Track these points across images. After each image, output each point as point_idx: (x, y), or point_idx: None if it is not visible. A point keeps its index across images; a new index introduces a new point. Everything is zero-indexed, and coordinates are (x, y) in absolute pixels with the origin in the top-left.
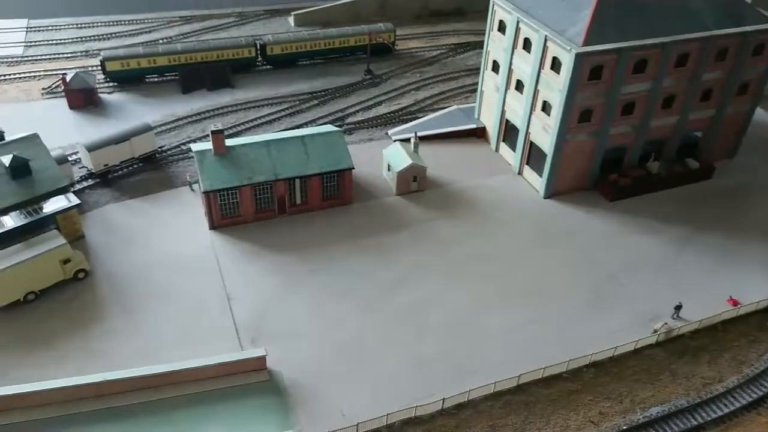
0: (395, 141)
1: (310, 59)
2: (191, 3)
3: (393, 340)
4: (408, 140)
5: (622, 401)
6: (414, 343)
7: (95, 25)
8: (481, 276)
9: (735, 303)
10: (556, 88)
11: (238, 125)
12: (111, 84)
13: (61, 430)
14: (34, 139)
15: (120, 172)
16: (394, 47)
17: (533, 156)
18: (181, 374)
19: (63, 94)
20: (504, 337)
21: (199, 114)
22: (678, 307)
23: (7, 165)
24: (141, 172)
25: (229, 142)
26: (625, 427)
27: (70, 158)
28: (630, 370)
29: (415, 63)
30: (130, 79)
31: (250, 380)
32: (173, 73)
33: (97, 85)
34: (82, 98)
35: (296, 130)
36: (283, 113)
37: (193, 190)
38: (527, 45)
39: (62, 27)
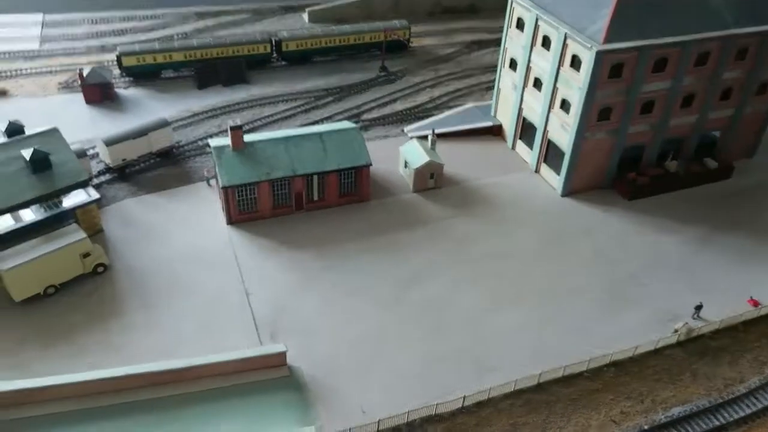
0: (412, 138)
1: (324, 56)
2: None
3: (411, 337)
4: (425, 137)
5: (643, 401)
6: (431, 341)
7: (110, 20)
8: (499, 274)
9: (756, 303)
10: (575, 85)
11: (254, 121)
12: (127, 79)
13: (81, 423)
14: (54, 133)
15: (137, 167)
16: (410, 44)
17: (551, 154)
18: (202, 369)
19: (79, 88)
20: (521, 335)
21: (214, 110)
22: (698, 307)
23: (27, 159)
24: (158, 167)
25: (247, 137)
26: (646, 427)
27: (88, 152)
28: (650, 369)
29: (429, 60)
30: (146, 74)
31: (270, 376)
32: (189, 69)
33: (114, 80)
34: (98, 93)
35: (313, 126)
36: (299, 109)
37: (210, 185)
38: (546, 42)
39: (77, 22)
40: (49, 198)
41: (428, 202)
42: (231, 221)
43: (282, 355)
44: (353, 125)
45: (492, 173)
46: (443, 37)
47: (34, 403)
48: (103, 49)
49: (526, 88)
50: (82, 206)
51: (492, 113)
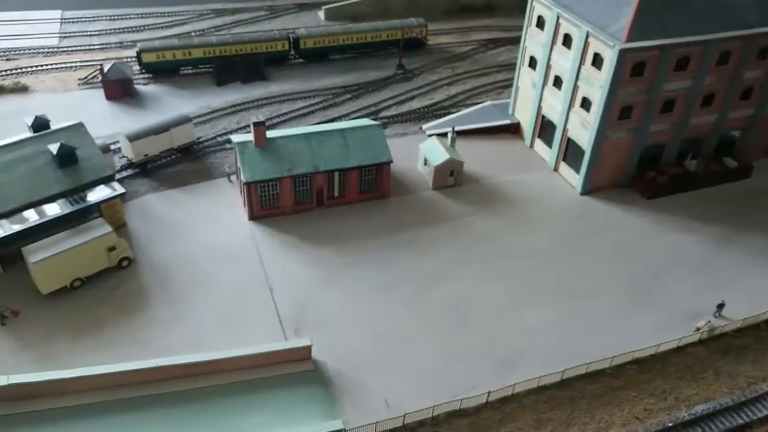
0: (430, 136)
1: (342, 53)
2: None
3: (432, 333)
4: (444, 135)
5: (666, 398)
6: (453, 337)
7: (127, 17)
8: (519, 272)
9: None
10: (597, 84)
11: (273, 118)
12: (146, 75)
13: (107, 415)
14: (79, 128)
15: (158, 163)
16: (427, 42)
17: (570, 152)
18: (229, 362)
19: (99, 84)
20: (543, 332)
21: (233, 106)
22: (720, 306)
23: (54, 153)
24: (179, 163)
25: (269, 134)
26: (670, 424)
27: (111, 147)
28: (673, 367)
29: (446, 58)
30: (165, 70)
31: (295, 370)
32: (207, 66)
33: (133, 77)
34: (119, 89)
35: (333, 123)
36: (317, 107)
37: (231, 181)
38: (567, 41)
39: (95, 18)
40: (75, 192)
41: (448, 199)
42: (253, 217)
43: (307, 350)
44: (374, 122)
45: (511, 171)
46: (459, 35)
47: (63, 394)
48: (121, 45)
49: (545, 87)
50: (108, 201)
51: (510, 111)
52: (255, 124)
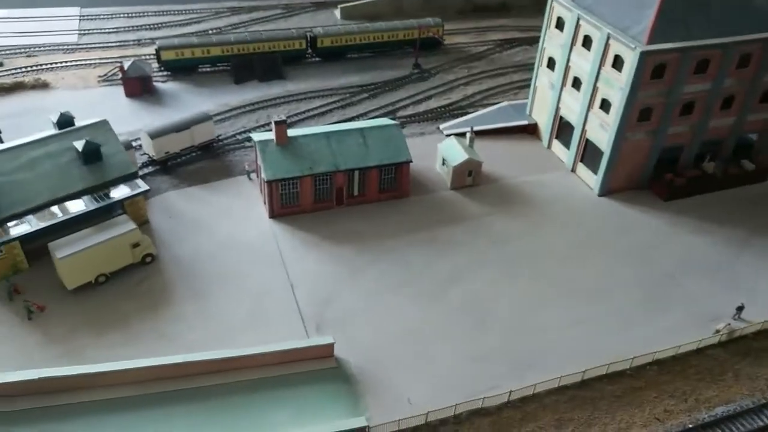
0: (448, 135)
1: (358, 52)
2: None
3: (452, 332)
4: (462, 135)
5: (687, 400)
6: (473, 336)
7: (145, 14)
8: (538, 272)
9: None
10: (617, 86)
11: (291, 116)
12: (165, 73)
13: (133, 409)
14: (104, 125)
15: (179, 160)
16: (443, 41)
17: (588, 153)
18: (254, 359)
19: (119, 81)
20: (562, 333)
21: (252, 104)
22: (740, 308)
23: (80, 150)
24: (199, 161)
25: (288, 132)
26: (690, 426)
27: (133, 144)
28: (693, 369)
29: (462, 58)
30: (183, 68)
31: (318, 367)
32: (225, 64)
33: (153, 74)
34: (138, 86)
35: (352, 122)
36: (335, 105)
37: (251, 179)
38: (587, 42)
39: (113, 16)
40: (100, 189)
41: (466, 199)
42: (273, 215)
43: (330, 347)
44: (393, 122)
45: (528, 172)
46: (475, 35)
47: (91, 389)
48: (138, 42)
49: (564, 88)
50: (132, 197)
51: (527, 112)
52: (276, 122)
